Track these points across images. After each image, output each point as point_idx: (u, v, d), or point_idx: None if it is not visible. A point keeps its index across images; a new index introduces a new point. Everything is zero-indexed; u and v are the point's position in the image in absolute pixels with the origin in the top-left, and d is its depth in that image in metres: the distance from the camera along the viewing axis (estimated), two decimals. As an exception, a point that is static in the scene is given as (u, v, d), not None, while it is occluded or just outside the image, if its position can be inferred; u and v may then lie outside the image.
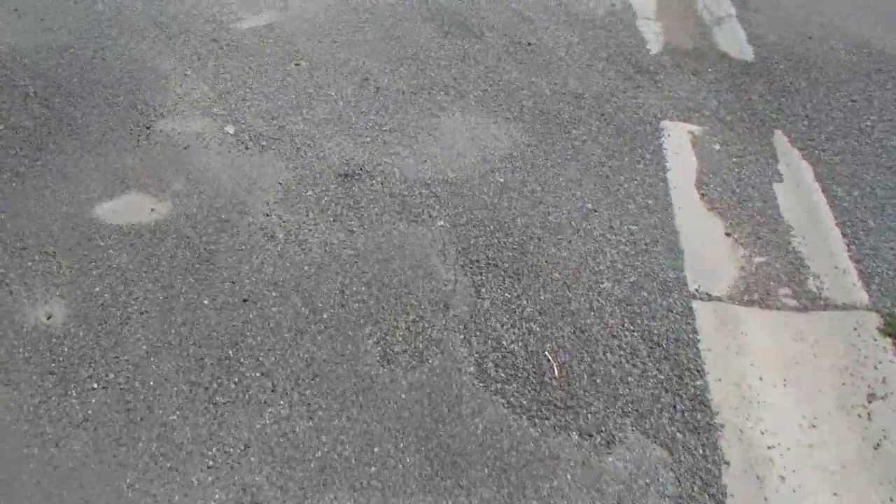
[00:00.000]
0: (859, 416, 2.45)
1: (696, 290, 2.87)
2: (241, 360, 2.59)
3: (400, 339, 2.69)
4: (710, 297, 2.85)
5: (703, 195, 3.36)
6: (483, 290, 2.88)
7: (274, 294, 2.83)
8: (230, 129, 3.73)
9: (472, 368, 2.58)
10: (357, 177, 3.42)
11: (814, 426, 2.41)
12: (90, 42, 4.32)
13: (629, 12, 4.78)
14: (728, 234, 3.15)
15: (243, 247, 3.04)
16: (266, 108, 3.87)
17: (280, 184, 3.39)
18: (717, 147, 3.65)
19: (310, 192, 3.34)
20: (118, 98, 3.92)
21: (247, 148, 3.60)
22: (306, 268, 2.96)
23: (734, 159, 3.58)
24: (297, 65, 4.24)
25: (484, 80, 4.09)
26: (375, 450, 2.34)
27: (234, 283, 2.87)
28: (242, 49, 4.36)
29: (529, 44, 4.42)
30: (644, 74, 4.17)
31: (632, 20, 4.70)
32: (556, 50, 4.37)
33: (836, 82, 4.11)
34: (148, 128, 3.71)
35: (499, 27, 4.58)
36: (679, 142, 3.66)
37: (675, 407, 2.47)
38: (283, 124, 3.77)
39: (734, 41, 4.48)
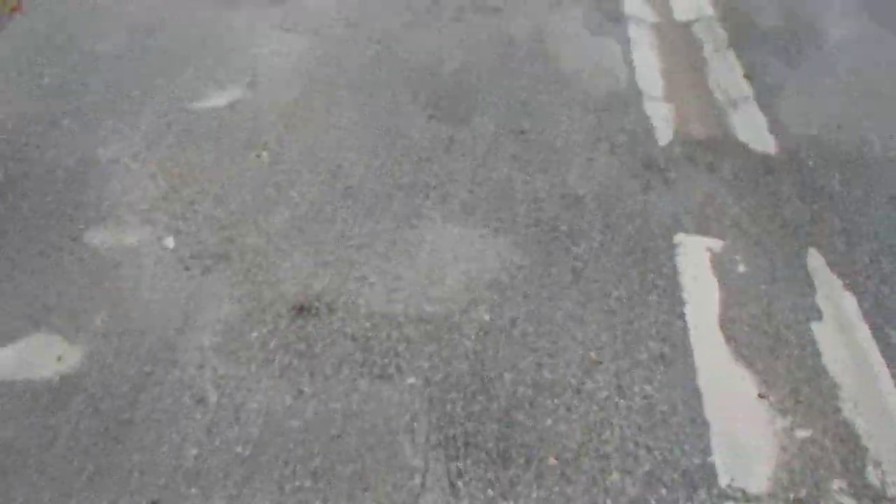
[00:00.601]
0: None
1: (729, 486, 2.18)
2: None
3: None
4: (746, 499, 2.15)
5: (728, 338, 2.68)
6: (460, 483, 2.19)
7: (193, 492, 2.13)
8: (171, 241, 3.05)
9: None
10: (314, 311, 2.74)
11: None
12: (27, 124, 3.66)
13: (634, 91, 4.12)
14: (762, 396, 2.46)
15: (164, 416, 2.35)
16: (216, 214, 3.20)
17: (221, 321, 2.70)
18: (742, 269, 2.97)
19: (255, 334, 2.66)
20: (46, 199, 3.25)
21: (187, 269, 2.92)
22: (239, 449, 2.26)
23: (763, 286, 2.90)
24: (258, 156, 3.57)
25: (470, 179, 3.42)
26: None
27: (143, 473, 2.17)
28: (198, 135, 3.70)
29: (522, 131, 3.76)
30: (653, 171, 3.50)
31: (637, 101, 4.03)
32: (553, 138, 3.70)
33: (876, 182, 3.44)
34: (74, 239, 3.04)
35: (489, 108, 3.92)
36: (697, 262, 2.98)
37: None
38: (233, 236, 3.10)
39: (753, 129, 3.81)
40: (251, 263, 2.96)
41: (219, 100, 4.02)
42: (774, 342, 2.67)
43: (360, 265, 2.95)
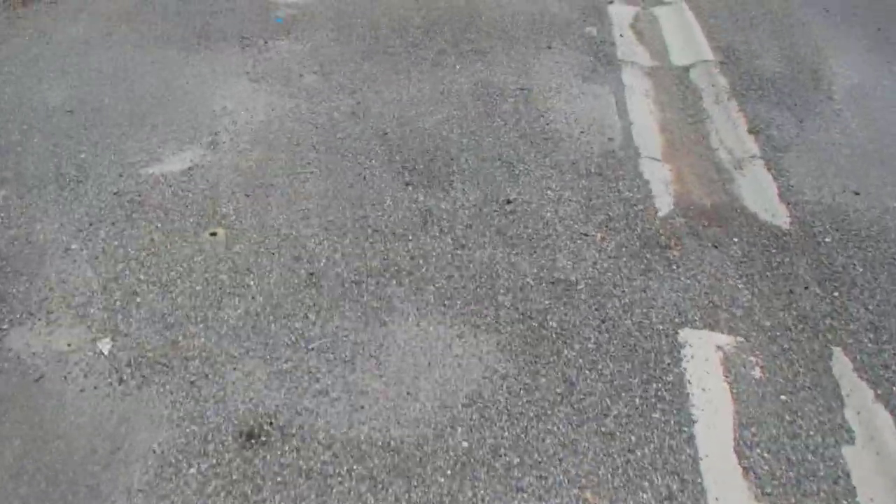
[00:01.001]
0: None
1: None
2: None
3: None
4: None
5: (746, 469, 2.25)
6: None
7: None
8: (106, 345, 2.61)
9: None
10: (265, 439, 2.29)
11: None
12: (-51, 205, 3.22)
13: (631, 150, 3.69)
14: (790, 550, 2.02)
15: None
16: (160, 309, 2.75)
17: (155, 452, 2.26)
18: (758, 374, 2.54)
19: (193, 469, 2.21)
20: (-31, 291, 2.79)
21: (121, 380, 2.48)
22: None
23: (783, 398, 2.47)
24: (212, 235, 3.13)
25: (449, 262, 2.98)
26: None
27: None
28: (148, 208, 3.25)
29: (508, 201, 3.32)
30: (653, 249, 3.06)
31: (634, 162, 3.60)
32: (541, 210, 3.27)
33: (901, 262, 3.01)
34: (-6, 344, 2.58)
35: (471, 174, 3.49)
36: (706, 367, 2.55)
37: None
38: (178, 337, 2.65)
39: (762, 196, 3.39)
40: (196, 373, 2.51)
41: (175, 164, 3.57)
42: (800, 473, 2.24)
43: (320, 375, 2.51)
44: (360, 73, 4.44)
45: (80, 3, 5.38)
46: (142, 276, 2.94)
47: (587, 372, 2.55)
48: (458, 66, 4.51)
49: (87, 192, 3.40)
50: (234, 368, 2.55)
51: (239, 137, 3.81)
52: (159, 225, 3.21)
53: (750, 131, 3.87)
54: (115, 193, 3.39)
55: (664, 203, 3.37)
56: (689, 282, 2.94)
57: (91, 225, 3.21)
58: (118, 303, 2.81)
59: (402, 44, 4.79)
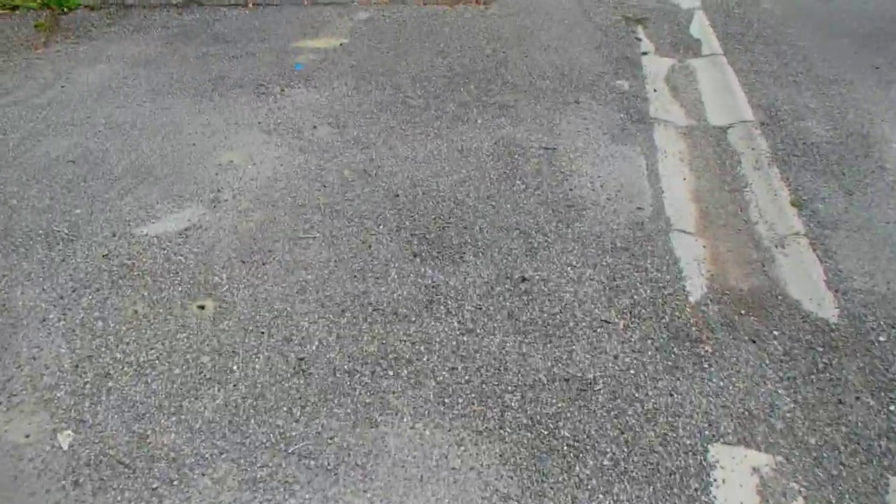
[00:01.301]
0: None
1: None
2: None
3: None
4: None
5: None
6: None
7: None
8: (66, 438, 2.32)
9: None
10: (225, 568, 1.95)
11: None
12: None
13: (661, 222, 3.33)
14: None
15: None
16: (133, 395, 2.45)
17: (100, 578, 1.93)
18: (801, 506, 2.12)
19: None
20: (-68, 366, 2.53)
21: (77, 484, 2.18)
22: None
23: (831, 540, 2.05)
24: (200, 307, 2.84)
25: (454, 350, 2.64)
26: None
27: None
28: (137, 274, 2.98)
29: (524, 279, 2.98)
30: (682, 343, 2.69)
31: (664, 236, 3.24)
32: (559, 290, 2.91)
33: (969, 370, 2.59)
34: (-52, 432, 2.31)
35: (485, 246, 3.17)
36: (740, 494, 2.15)
37: None
38: (147, 431, 2.35)
39: (807, 282, 2.99)
40: (160, 478, 2.20)
41: (172, 223, 3.31)
42: None
43: (297, 487, 2.18)
44: (377, 125, 4.16)
45: (102, 45, 5.23)
46: (118, 355, 2.65)
47: (601, 496, 2.17)
48: (479, 121, 4.21)
49: (76, 252, 3.15)
50: (204, 474, 2.23)
51: (242, 195, 3.54)
52: (145, 294, 2.93)
53: (793, 204, 3.48)
54: (104, 256, 3.13)
55: (696, 286, 2.99)
56: (721, 384, 2.56)
57: (74, 291, 2.94)
58: (88, 386, 2.53)
59: (423, 95, 4.51)
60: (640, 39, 5.44)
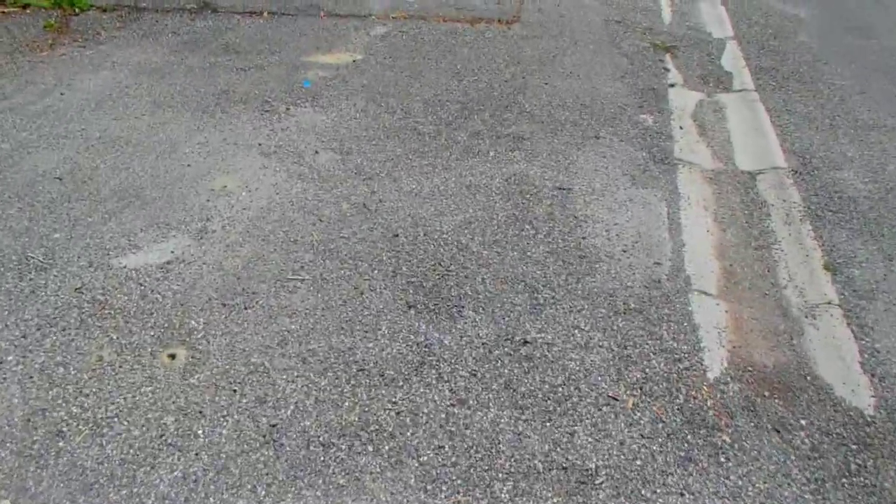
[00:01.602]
0: None
1: None
2: None
3: None
4: None
5: None
6: None
7: None
8: (4, 509, 2.04)
9: None
10: None
11: None
12: None
13: (680, 281, 3.01)
14: None
15: None
16: (83, 461, 2.18)
17: None
18: None
19: None
20: None
21: (8, 568, 1.89)
22: None
23: None
24: (171, 357, 2.57)
25: (442, 424, 2.35)
26: None
27: None
28: (108, 312, 2.72)
29: (525, 341, 2.68)
30: (698, 429, 2.37)
31: (683, 298, 2.92)
32: (563, 357, 2.61)
33: None
34: None
35: (486, 300, 2.87)
36: None
37: None
38: (93, 505, 2.06)
39: (839, 362, 2.66)
40: (100, 566, 1.91)
41: (154, 255, 3.04)
42: None
43: (252, 587, 1.88)
44: (383, 153, 3.87)
45: (109, 50, 5.00)
46: (75, 409, 2.38)
47: None
48: (491, 154, 3.90)
49: (48, 284, 2.89)
50: (149, 563, 1.94)
51: (232, 226, 3.26)
52: (114, 337, 2.66)
53: (826, 267, 3.15)
54: (77, 289, 2.87)
55: (715, 360, 2.67)
56: (739, 483, 2.24)
57: (39, 330, 2.68)
58: (37, 445, 2.26)
59: (434, 121, 4.21)
60: (667, 70, 5.11)
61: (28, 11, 5.74)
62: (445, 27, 5.69)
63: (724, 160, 4.04)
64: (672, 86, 4.91)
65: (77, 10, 5.73)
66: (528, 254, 3.19)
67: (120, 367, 2.57)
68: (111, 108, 4.29)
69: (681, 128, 4.34)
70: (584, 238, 3.30)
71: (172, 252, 3.12)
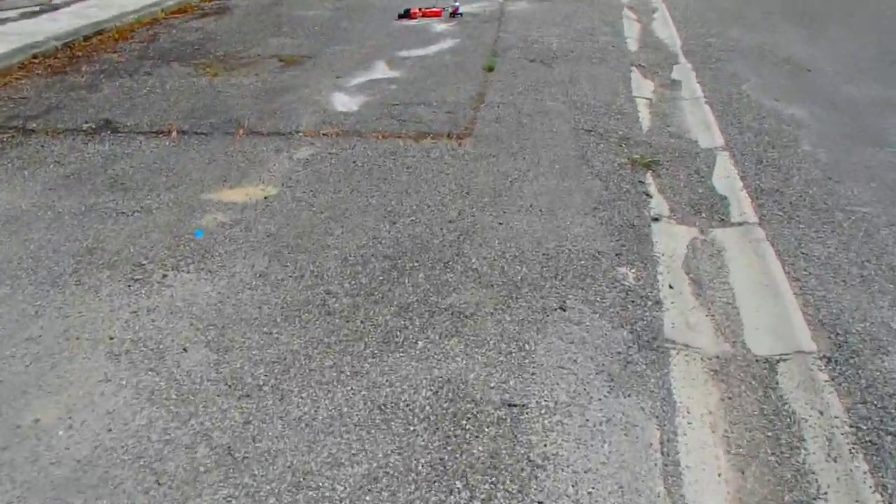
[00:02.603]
0: None
1: None
2: None
3: None
4: None
5: None
6: None
7: None
8: None
9: None
10: None
11: None
12: None
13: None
14: None
15: None
16: None
17: None
18: None
19: None
20: None
21: None
22: None
23: None
24: None
25: None
26: None
27: None
28: None
29: None
30: None
31: None
32: None
33: None
34: None
35: None
36: None
37: None
38: None
39: None
40: None
41: None
42: None
43: None
44: (274, 348, 2.79)
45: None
46: None
47: None
48: (420, 344, 2.81)
49: None
50: None
51: (25, 500, 2.08)
52: None
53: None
54: None
55: None
56: None
57: None
58: None
59: (351, 290, 3.14)
60: (649, 195, 4.08)
61: None
62: (384, 146, 4.67)
63: (732, 339, 2.95)
64: (656, 220, 3.86)
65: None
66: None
67: None
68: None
69: (671, 287, 3.26)
70: (544, 488, 2.15)
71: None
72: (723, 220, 3.93)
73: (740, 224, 3.88)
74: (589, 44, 7.31)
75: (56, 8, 8.56)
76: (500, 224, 3.79)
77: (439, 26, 8.06)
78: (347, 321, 3.02)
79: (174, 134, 4.87)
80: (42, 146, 4.76)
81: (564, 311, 3.10)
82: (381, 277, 3.31)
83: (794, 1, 9.05)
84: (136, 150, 4.69)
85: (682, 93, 5.91)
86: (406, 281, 3.29)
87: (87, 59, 6.64)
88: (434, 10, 8.38)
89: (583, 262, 3.46)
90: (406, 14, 8.21)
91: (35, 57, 6.53)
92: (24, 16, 8.14)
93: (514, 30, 7.90)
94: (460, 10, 8.41)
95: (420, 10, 8.30)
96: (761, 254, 3.59)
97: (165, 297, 3.17)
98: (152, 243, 3.59)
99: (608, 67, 6.49)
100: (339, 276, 3.32)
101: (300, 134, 4.90)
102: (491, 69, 6.34)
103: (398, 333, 2.94)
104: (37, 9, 8.50)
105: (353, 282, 3.29)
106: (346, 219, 3.82)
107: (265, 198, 4.04)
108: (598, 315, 3.08)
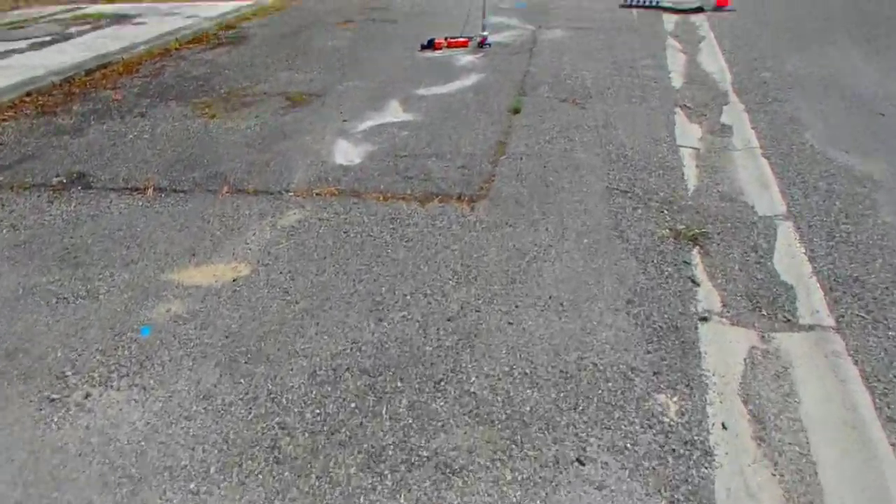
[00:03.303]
0: None
1: None
2: None
3: None
4: None
5: None
6: None
7: None
8: None
9: None
10: None
11: None
12: None
13: None
14: None
15: None
16: None
17: None
18: None
19: None
20: None
21: None
22: None
23: None
24: None
25: None
26: None
27: None
28: None
29: None
30: None
31: None
32: None
33: None
34: None
35: None
36: None
37: None
38: None
39: None
40: None
41: None
42: None
43: None
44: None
45: None
46: None
47: None
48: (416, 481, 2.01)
49: None
50: None
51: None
52: None
53: None
54: None
55: None
56: None
57: None
58: None
59: (311, 425, 2.42)
60: (696, 283, 3.23)
61: None
62: (384, 210, 3.92)
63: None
64: (705, 319, 3.03)
65: None
66: None
67: None
68: None
69: (724, 427, 2.44)
70: None
71: None
72: (789, 320, 3.07)
73: (811, 328, 3.01)
74: (628, 79, 6.47)
75: (68, 38, 8.08)
76: (510, 324, 2.99)
77: (464, 58, 7.32)
78: (299, 476, 2.26)
79: (150, 192, 4.20)
80: (2, 205, 4.13)
81: (583, 464, 2.29)
82: (352, 405, 2.55)
83: (856, 5, 8.02)
84: (103, 212, 4.03)
85: (734, 141, 5.04)
86: (384, 411, 2.52)
87: (81, 97, 6.06)
88: (460, 39, 7.63)
89: (611, 384, 2.65)
90: (430, 45, 7.48)
91: (29, 94, 5.98)
92: (32, 46, 7.67)
93: (546, 63, 7.10)
94: (489, 41, 7.64)
95: (446, 39, 7.57)
96: (842, 376, 2.73)
97: (79, 429, 2.46)
98: (86, 344, 2.89)
99: (649, 108, 5.65)
100: (300, 402, 2.57)
101: (290, 193, 4.18)
102: (517, 111, 5.56)
103: (361, 499, 2.16)
104: (48, 39, 8.02)
105: (317, 411, 2.53)
106: (324, 312, 3.07)
107: (234, 280, 3.33)
108: (627, 472, 2.27)
